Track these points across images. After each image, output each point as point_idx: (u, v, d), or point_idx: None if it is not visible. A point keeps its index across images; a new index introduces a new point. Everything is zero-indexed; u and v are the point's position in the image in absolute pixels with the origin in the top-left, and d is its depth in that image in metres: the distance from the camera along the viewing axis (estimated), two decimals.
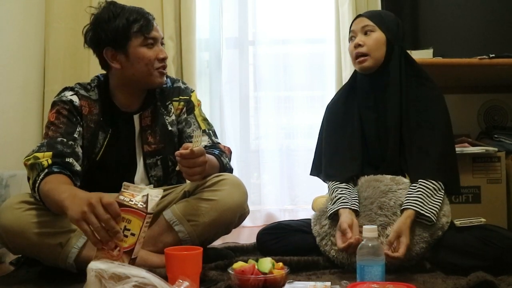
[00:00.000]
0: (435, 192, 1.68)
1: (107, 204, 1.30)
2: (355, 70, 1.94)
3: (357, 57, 1.82)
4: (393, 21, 1.88)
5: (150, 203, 1.34)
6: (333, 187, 1.82)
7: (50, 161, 1.60)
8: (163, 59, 1.80)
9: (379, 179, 1.76)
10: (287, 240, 1.82)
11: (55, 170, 1.59)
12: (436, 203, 1.66)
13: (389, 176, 1.77)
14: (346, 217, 1.67)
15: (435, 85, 1.85)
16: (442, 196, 1.69)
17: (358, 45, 1.82)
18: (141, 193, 1.35)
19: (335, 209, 1.72)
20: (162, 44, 1.83)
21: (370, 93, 1.86)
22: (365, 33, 1.82)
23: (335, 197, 1.76)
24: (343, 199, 1.73)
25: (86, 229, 1.31)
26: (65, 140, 1.69)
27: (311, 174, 2.02)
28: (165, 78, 1.85)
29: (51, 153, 1.62)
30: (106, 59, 1.78)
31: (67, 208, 1.37)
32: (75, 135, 1.73)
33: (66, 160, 1.64)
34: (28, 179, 1.63)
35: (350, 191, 1.77)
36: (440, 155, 1.74)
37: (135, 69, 1.76)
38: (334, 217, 1.73)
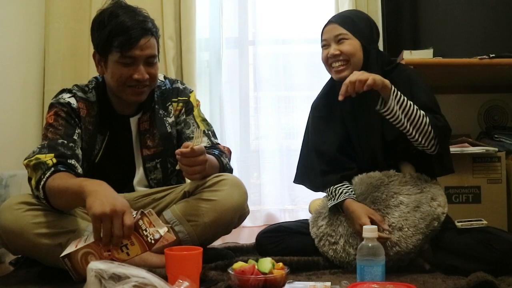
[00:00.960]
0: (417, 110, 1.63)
1: (126, 225, 1.34)
2: None
3: (334, 66, 1.79)
4: (365, 24, 1.81)
5: (159, 244, 1.38)
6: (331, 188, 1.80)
7: (54, 160, 1.60)
8: (138, 80, 1.70)
9: (371, 176, 1.76)
10: (286, 243, 1.82)
11: (62, 169, 1.59)
12: (409, 104, 1.61)
13: (381, 172, 1.76)
14: (358, 206, 1.67)
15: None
16: (420, 112, 1.63)
17: (334, 56, 1.78)
18: (157, 227, 1.38)
19: (341, 200, 1.71)
20: (151, 63, 1.72)
21: (349, 102, 1.74)
22: (339, 41, 1.78)
23: (335, 190, 1.75)
24: (345, 192, 1.73)
25: (97, 227, 1.34)
26: (65, 142, 1.68)
27: (295, 182, 1.97)
28: (143, 96, 1.76)
29: (53, 154, 1.61)
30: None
31: (88, 195, 1.39)
32: (75, 137, 1.72)
33: (68, 161, 1.63)
34: (29, 179, 1.61)
35: (348, 186, 1.76)
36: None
37: (109, 81, 1.75)
38: (334, 210, 1.75)
